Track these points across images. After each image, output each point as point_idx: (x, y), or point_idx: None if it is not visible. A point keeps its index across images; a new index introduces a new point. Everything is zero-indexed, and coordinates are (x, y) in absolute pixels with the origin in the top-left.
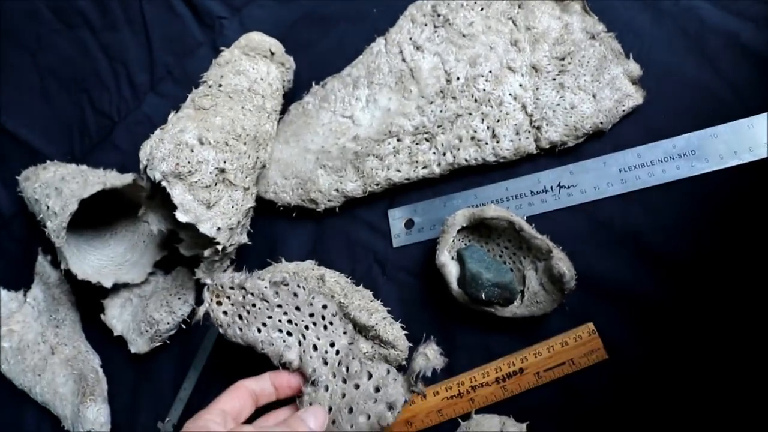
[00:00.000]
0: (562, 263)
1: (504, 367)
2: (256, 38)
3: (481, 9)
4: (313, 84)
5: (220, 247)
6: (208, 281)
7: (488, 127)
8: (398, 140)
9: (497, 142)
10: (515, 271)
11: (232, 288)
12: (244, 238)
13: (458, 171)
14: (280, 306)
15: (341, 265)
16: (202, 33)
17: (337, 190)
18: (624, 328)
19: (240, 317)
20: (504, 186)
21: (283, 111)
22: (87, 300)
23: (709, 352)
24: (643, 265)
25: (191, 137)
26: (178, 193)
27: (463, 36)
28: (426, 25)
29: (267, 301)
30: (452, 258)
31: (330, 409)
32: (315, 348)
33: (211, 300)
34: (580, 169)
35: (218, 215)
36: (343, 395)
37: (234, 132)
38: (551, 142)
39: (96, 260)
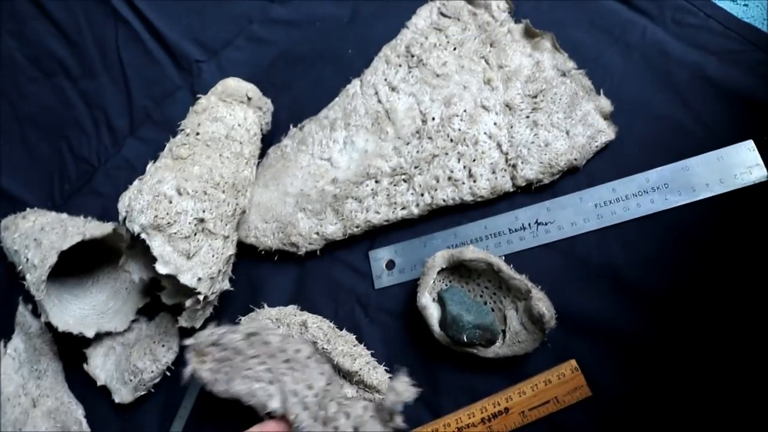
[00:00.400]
0: (542, 303)
1: (489, 407)
2: (233, 84)
3: (454, 48)
4: (291, 126)
5: (201, 297)
6: (189, 342)
7: (465, 167)
8: (376, 182)
9: (474, 181)
10: (496, 311)
11: (210, 345)
12: (226, 285)
13: (437, 211)
14: (254, 357)
15: (324, 307)
16: (179, 77)
17: (317, 233)
18: (606, 363)
19: (222, 373)
20: (482, 224)
21: (262, 154)
22: (69, 349)
23: (692, 386)
24: (622, 300)
25: (169, 188)
26: (157, 245)
27: (437, 76)
28: (400, 65)
29: (241, 354)
30: (433, 300)
31: None
32: (295, 394)
33: (194, 360)
34: (557, 205)
35: (198, 265)
36: None
37: (212, 180)
38: (527, 179)
39: (78, 309)
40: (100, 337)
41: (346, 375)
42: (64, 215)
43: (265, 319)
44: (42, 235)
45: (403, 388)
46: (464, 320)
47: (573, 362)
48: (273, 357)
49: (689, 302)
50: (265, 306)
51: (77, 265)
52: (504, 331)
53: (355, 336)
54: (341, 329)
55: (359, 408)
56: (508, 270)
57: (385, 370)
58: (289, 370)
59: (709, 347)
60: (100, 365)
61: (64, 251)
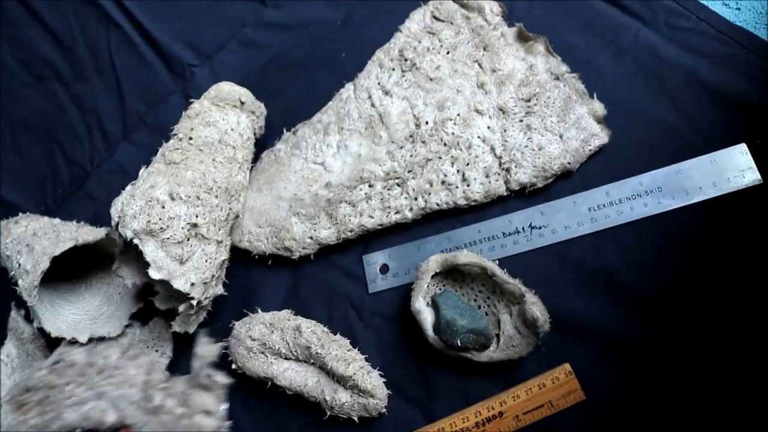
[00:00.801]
0: (535, 308)
1: (483, 412)
2: (226, 88)
3: (447, 52)
4: (285, 130)
5: (194, 302)
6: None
7: (458, 171)
8: (370, 186)
9: (467, 185)
10: (490, 315)
11: (24, 393)
12: (219, 290)
13: (430, 215)
14: (69, 383)
15: (318, 311)
16: (173, 81)
17: (311, 238)
18: (600, 367)
19: (50, 413)
20: (476, 228)
21: (256, 158)
22: None
23: (686, 390)
24: (616, 303)
25: (162, 193)
26: (150, 250)
27: (431, 80)
28: (394, 69)
29: (56, 387)
30: (427, 304)
31: None
32: (123, 398)
33: (18, 414)
34: (551, 209)
35: (192, 270)
36: None
37: (205, 185)
38: (521, 183)
39: (70, 314)
40: (93, 342)
41: (340, 380)
42: (57, 220)
43: (259, 324)
44: (34, 240)
45: (205, 350)
46: (458, 324)
47: (567, 366)
48: (85, 374)
49: (683, 306)
50: (259, 311)
51: (70, 270)
52: (498, 336)
53: (348, 340)
54: (335, 333)
55: (179, 385)
56: (501, 274)
57: (380, 374)
58: (106, 378)
59: (704, 351)
60: None
61: (57, 256)
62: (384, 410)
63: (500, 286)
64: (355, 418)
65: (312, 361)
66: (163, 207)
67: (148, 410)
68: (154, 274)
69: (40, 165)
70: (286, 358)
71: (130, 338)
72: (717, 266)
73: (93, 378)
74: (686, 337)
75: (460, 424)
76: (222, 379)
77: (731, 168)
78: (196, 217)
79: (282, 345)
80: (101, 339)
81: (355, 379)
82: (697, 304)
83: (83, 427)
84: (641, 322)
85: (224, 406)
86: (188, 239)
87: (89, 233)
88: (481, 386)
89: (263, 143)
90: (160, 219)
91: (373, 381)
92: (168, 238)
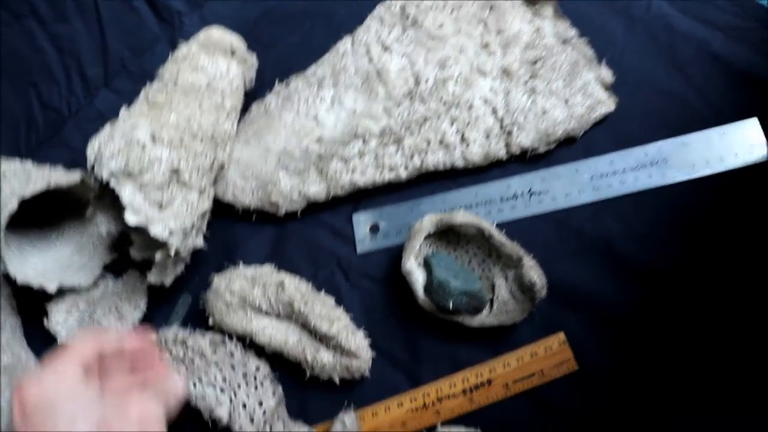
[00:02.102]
0: (533, 272)
1: (471, 378)
2: (217, 33)
3: (451, 11)
4: (276, 83)
5: (172, 251)
6: (153, 336)
7: (457, 131)
8: (364, 142)
9: (466, 146)
10: (484, 280)
11: (175, 343)
12: (199, 242)
13: (426, 175)
14: (216, 363)
15: (302, 270)
16: (160, 28)
17: (299, 193)
18: (595, 338)
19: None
20: (473, 191)
21: (244, 110)
22: (29, 304)
23: (680, 363)
24: (614, 274)
25: (143, 134)
26: (127, 193)
27: (433, 38)
28: (394, 25)
29: (205, 358)
30: (419, 265)
31: None
32: (244, 406)
33: None
34: (552, 175)
35: (171, 217)
36: None
37: (190, 130)
38: (522, 147)
39: (39, 262)
40: (62, 292)
41: (323, 339)
42: (28, 163)
43: (240, 278)
44: (3, 181)
45: (350, 422)
46: (451, 286)
47: (561, 335)
48: (232, 368)
49: (682, 280)
50: (241, 264)
51: (41, 217)
52: (491, 300)
53: (333, 299)
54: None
55: (304, 429)
56: (499, 236)
57: (365, 335)
58: (245, 383)
59: (700, 325)
60: (62, 322)
61: (27, 201)
62: (367, 372)
63: (497, 248)
64: (336, 380)
65: (294, 318)
66: (144, 148)
67: (261, 429)
68: (131, 218)
69: (14, 108)
70: (266, 315)
71: (102, 290)
72: (719, 242)
73: (236, 375)
74: (683, 311)
75: (446, 389)
76: None
77: (740, 143)
78: (179, 162)
79: (263, 301)
80: (71, 289)
81: (339, 339)
82: (696, 278)
83: (193, 403)
84: (639, 294)
85: None
86: (169, 185)
87: (63, 176)
88: (470, 352)
89: (252, 96)
90: (140, 160)
91: (358, 341)
92: (147, 182)
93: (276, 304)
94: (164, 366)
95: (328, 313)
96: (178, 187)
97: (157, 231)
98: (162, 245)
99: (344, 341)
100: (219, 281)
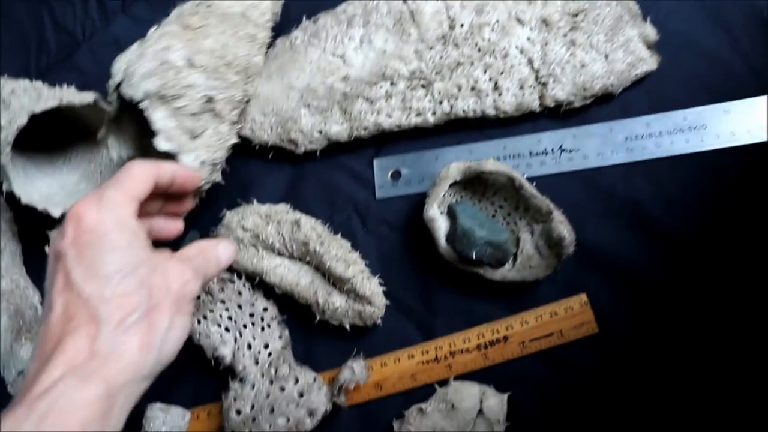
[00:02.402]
0: (563, 226)
1: (487, 334)
2: None
3: None
4: (304, 18)
5: (201, 183)
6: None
7: (490, 79)
8: (392, 84)
9: (499, 94)
10: (509, 233)
11: None
12: (218, 177)
13: (453, 123)
14: (223, 302)
15: (318, 213)
16: None
17: (320, 132)
18: (618, 302)
19: None
20: (502, 144)
21: (268, 46)
22: (31, 230)
23: (705, 334)
24: (642, 238)
25: (179, 57)
26: (160, 117)
27: None
28: None
29: (212, 296)
30: (441, 213)
31: (252, 407)
32: (249, 347)
33: None
34: (585, 133)
35: (202, 147)
36: (268, 395)
37: (225, 59)
38: (557, 100)
39: (45, 187)
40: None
41: (337, 281)
42: (39, 83)
43: (253, 215)
44: (12, 97)
45: (359, 370)
46: (476, 235)
47: (583, 296)
48: (239, 307)
49: (711, 249)
50: (255, 202)
51: (48, 142)
52: (515, 255)
53: (350, 243)
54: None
55: (310, 376)
56: (530, 187)
57: (380, 282)
58: (251, 324)
59: (728, 297)
60: None
61: (36, 120)
62: (379, 321)
63: (526, 200)
64: (347, 326)
65: (308, 259)
66: (180, 72)
67: (266, 373)
68: (163, 144)
69: (25, 27)
70: (279, 254)
71: None
72: (752, 214)
73: (243, 315)
74: (711, 280)
75: (460, 344)
76: (345, 401)
77: None
78: (214, 90)
79: (277, 239)
80: None
81: (354, 283)
82: (726, 249)
83: (196, 340)
84: (666, 260)
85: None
86: (203, 113)
87: (75, 96)
88: (487, 308)
89: (277, 32)
90: (175, 85)
91: (373, 287)
92: (181, 108)
93: (290, 243)
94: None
95: (345, 256)
96: (211, 118)
97: (188, 161)
98: None
99: (359, 285)
100: (231, 216)
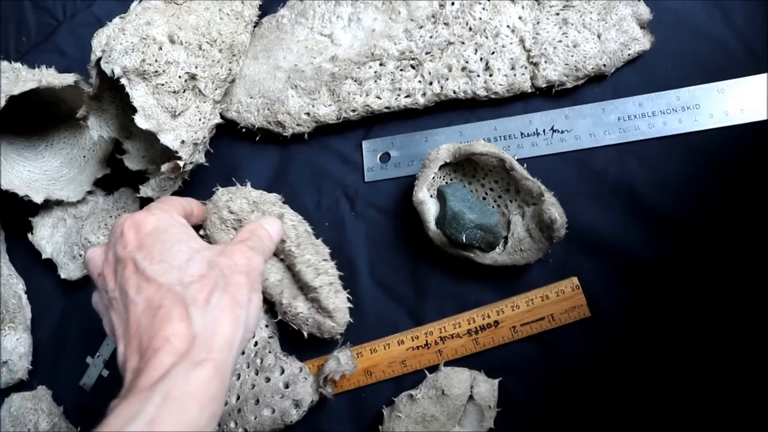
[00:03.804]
0: (554, 208)
1: (478, 319)
2: None
3: None
4: None
5: (181, 163)
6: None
7: (481, 59)
8: (381, 64)
9: (490, 75)
10: (500, 216)
11: None
12: (202, 158)
13: (443, 104)
14: None
15: (306, 196)
16: None
17: (308, 114)
18: (610, 285)
19: None
20: (493, 125)
21: (255, 24)
22: (13, 217)
23: (697, 318)
24: (635, 220)
25: (160, 33)
26: (140, 94)
27: None
28: None
29: None
30: (431, 196)
31: (238, 398)
32: None
33: None
34: (577, 113)
35: (183, 126)
36: (253, 386)
37: (209, 35)
38: (548, 81)
39: (26, 172)
40: (49, 205)
41: (304, 287)
42: (18, 64)
43: (242, 198)
44: None
45: (345, 360)
46: (466, 218)
47: (575, 280)
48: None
49: (705, 231)
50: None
51: (29, 126)
52: (506, 238)
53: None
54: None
55: (296, 367)
56: (521, 169)
57: (348, 298)
58: None
59: (721, 281)
60: (47, 237)
61: (16, 102)
62: (339, 337)
63: (517, 182)
64: (305, 334)
65: (282, 256)
66: (161, 48)
67: (251, 362)
68: (142, 122)
69: (4, 7)
70: None
71: (92, 206)
72: (746, 195)
73: None
74: (704, 262)
75: (450, 329)
76: (332, 392)
77: None
78: (196, 68)
79: None
80: (60, 203)
81: (319, 293)
82: (720, 230)
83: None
84: (659, 243)
85: None
86: (184, 91)
87: (55, 77)
88: (477, 293)
89: (264, 11)
90: (156, 60)
91: (338, 302)
92: (162, 85)
93: None
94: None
95: (317, 264)
96: (194, 96)
97: (168, 140)
98: (161, 157)
99: (324, 297)
100: (221, 196)
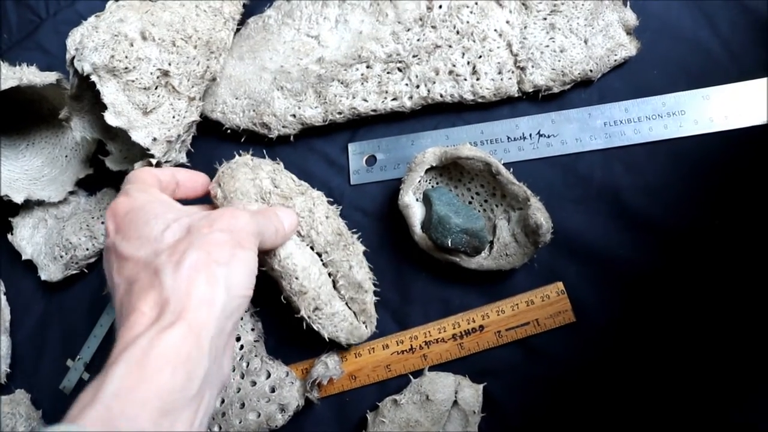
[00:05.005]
0: (540, 213)
1: (462, 324)
2: None
3: None
4: None
5: (154, 161)
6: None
7: (468, 63)
8: (368, 67)
9: (477, 79)
10: (485, 220)
11: None
12: (182, 157)
13: (430, 108)
14: None
15: None
16: None
17: (294, 116)
18: (595, 290)
19: None
20: (479, 129)
21: (241, 24)
22: None
23: (682, 322)
24: (620, 225)
25: (132, 30)
26: (110, 91)
27: None
28: None
29: None
30: (417, 199)
31: (222, 402)
32: None
33: None
34: (563, 118)
35: (155, 123)
36: (238, 389)
37: (184, 32)
38: (535, 85)
39: (6, 171)
40: (30, 206)
41: (346, 287)
42: None
43: (288, 178)
44: None
45: (333, 365)
46: (451, 222)
47: (560, 284)
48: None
49: (690, 236)
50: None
51: (9, 125)
52: (491, 243)
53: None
54: None
55: (282, 371)
56: (507, 174)
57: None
58: None
59: (706, 285)
60: (28, 237)
61: None
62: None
63: (503, 187)
64: (326, 336)
65: (327, 250)
66: (132, 45)
67: (237, 365)
68: (111, 119)
69: None
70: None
71: (74, 207)
72: (732, 200)
73: None
74: (688, 268)
75: (435, 334)
76: (318, 397)
77: (763, 100)
78: (169, 65)
79: (304, 215)
80: (41, 203)
81: (366, 295)
82: (705, 235)
83: None
84: (644, 248)
85: None
86: (156, 88)
87: (36, 75)
88: (462, 297)
89: (250, 12)
90: (126, 57)
91: (374, 311)
92: (133, 81)
93: (317, 226)
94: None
95: (366, 265)
96: (167, 93)
97: (139, 137)
98: (143, 156)
99: (369, 302)
100: (261, 163)
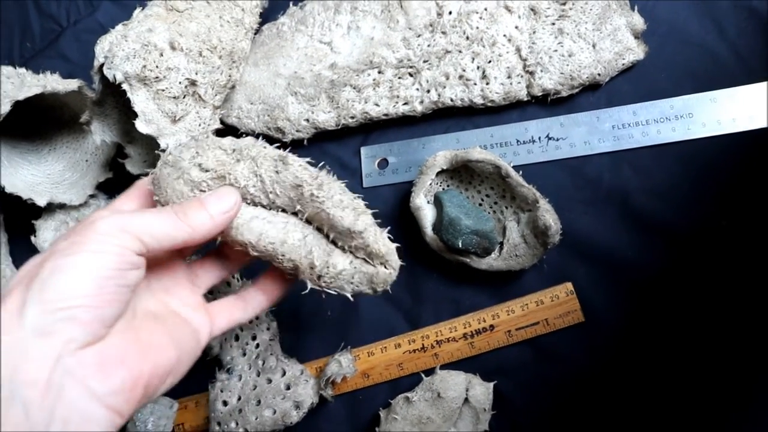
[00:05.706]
0: (549, 215)
1: (473, 323)
2: None
3: None
4: (291, 4)
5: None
6: None
7: (478, 67)
8: (379, 72)
9: (487, 83)
10: (495, 222)
11: None
12: None
13: (441, 112)
14: (210, 292)
15: None
16: None
17: (307, 120)
18: (604, 291)
19: None
20: (489, 132)
21: (255, 31)
22: (17, 220)
23: (690, 322)
24: (628, 227)
25: (161, 40)
26: (140, 99)
27: None
28: None
29: None
30: (428, 202)
31: (239, 398)
32: (236, 338)
33: None
34: (572, 121)
35: (183, 131)
36: (254, 387)
37: (209, 42)
38: (544, 89)
39: (30, 175)
40: (52, 209)
41: (341, 237)
42: (22, 70)
43: (215, 149)
44: None
45: (347, 363)
46: (462, 224)
47: (569, 285)
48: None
49: (698, 237)
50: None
51: (33, 130)
52: (501, 244)
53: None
54: None
55: (297, 369)
56: (516, 176)
57: (389, 238)
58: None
59: (714, 287)
60: (50, 239)
61: (21, 108)
62: (389, 288)
63: (513, 189)
64: (349, 294)
65: (298, 208)
66: (162, 55)
67: (253, 364)
68: (142, 127)
69: (9, 13)
70: (254, 203)
71: (94, 209)
72: (740, 203)
73: None
74: (696, 269)
75: (446, 333)
76: (332, 394)
77: None
78: (196, 74)
79: (252, 182)
80: (62, 206)
81: (366, 237)
82: (713, 238)
83: None
84: (652, 249)
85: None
86: (184, 96)
87: (59, 83)
88: (473, 297)
89: (264, 19)
90: (157, 67)
91: (388, 243)
92: (163, 90)
93: (272, 188)
94: None
95: (352, 202)
96: (193, 101)
97: (167, 144)
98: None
99: (373, 240)
100: (180, 154)
